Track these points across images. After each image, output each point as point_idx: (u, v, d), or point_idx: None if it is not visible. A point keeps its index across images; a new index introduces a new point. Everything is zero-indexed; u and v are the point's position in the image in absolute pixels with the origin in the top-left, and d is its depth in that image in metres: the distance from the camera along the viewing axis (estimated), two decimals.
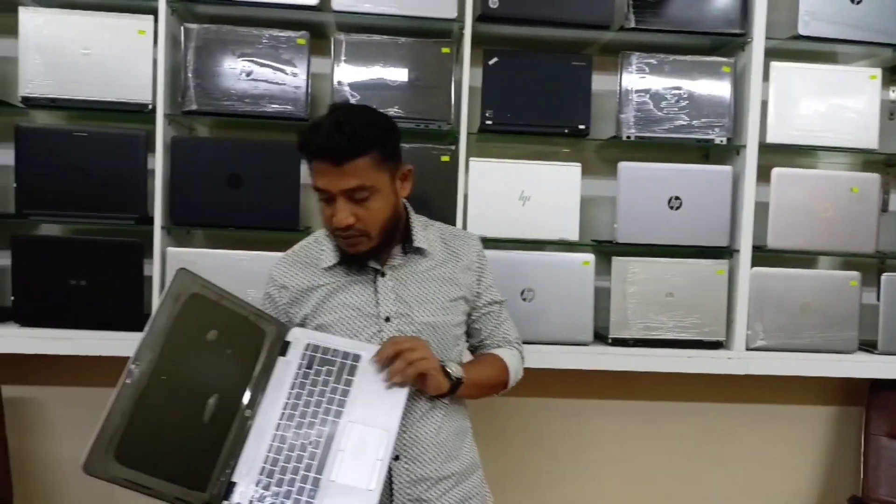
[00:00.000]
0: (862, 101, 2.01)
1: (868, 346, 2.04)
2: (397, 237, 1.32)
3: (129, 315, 1.87)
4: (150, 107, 1.87)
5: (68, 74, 1.85)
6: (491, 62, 1.93)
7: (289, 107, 1.88)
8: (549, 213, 1.95)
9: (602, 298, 1.98)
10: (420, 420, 1.27)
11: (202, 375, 1.14)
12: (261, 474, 1.13)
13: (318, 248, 1.36)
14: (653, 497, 2.27)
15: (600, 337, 2.00)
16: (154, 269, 1.88)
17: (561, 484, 2.23)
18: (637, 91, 1.96)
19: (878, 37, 1.99)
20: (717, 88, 1.98)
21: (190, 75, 1.86)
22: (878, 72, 2.01)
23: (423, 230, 1.37)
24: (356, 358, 1.22)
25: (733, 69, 1.99)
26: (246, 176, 1.86)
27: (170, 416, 1.09)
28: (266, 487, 1.12)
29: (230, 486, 1.12)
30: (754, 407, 2.27)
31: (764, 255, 2.00)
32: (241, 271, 1.85)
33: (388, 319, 1.28)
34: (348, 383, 1.20)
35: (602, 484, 2.25)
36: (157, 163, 1.87)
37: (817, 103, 2.00)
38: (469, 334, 1.42)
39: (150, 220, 1.88)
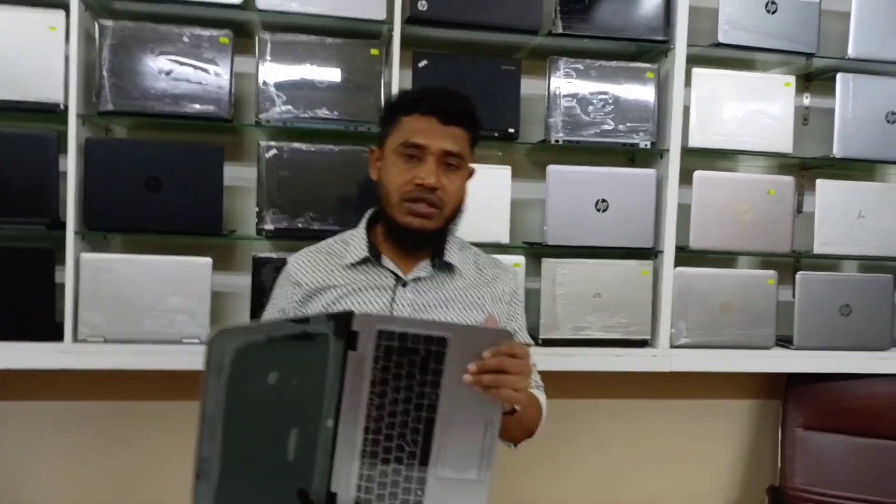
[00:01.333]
0: (778, 106, 2.09)
1: (784, 342, 2.13)
2: (431, 249, 1.28)
3: (40, 324, 1.77)
4: (62, 107, 1.78)
5: None
6: (420, 65, 1.91)
7: (211, 107, 1.82)
8: (480, 215, 1.93)
9: (532, 299, 2.00)
10: None
11: (274, 424, 1.03)
12: (360, 479, 1.06)
13: (343, 245, 1.31)
14: (580, 491, 2.31)
15: (531, 338, 2.01)
16: (67, 275, 1.78)
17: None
18: (565, 95, 1.99)
19: (793, 45, 2.07)
20: (642, 93, 2.03)
21: (105, 74, 1.78)
22: (792, 79, 2.10)
23: (459, 250, 1.33)
24: (441, 342, 1.04)
25: (657, 75, 2.04)
26: (165, 178, 1.79)
27: (254, 479, 1.01)
28: (369, 492, 1.06)
29: (331, 498, 1.05)
30: (678, 403, 2.34)
31: (686, 256, 2.06)
32: (162, 277, 1.79)
33: None
34: (437, 373, 1.04)
35: (530, 480, 2.28)
36: (70, 165, 1.78)
37: (736, 109, 2.07)
38: None
39: (63, 225, 1.79)
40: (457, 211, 1.28)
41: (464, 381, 1.01)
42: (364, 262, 1.28)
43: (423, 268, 1.27)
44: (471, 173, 1.33)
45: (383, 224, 1.29)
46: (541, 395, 1.34)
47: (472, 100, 1.28)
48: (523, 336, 1.37)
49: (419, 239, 1.24)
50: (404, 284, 1.26)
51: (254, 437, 1.01)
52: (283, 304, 1.30)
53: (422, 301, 1.25)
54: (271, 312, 1.33)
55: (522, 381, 1.03)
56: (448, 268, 1.29)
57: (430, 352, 1.04)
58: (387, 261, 1.28)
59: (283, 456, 1.02)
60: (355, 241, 1.30)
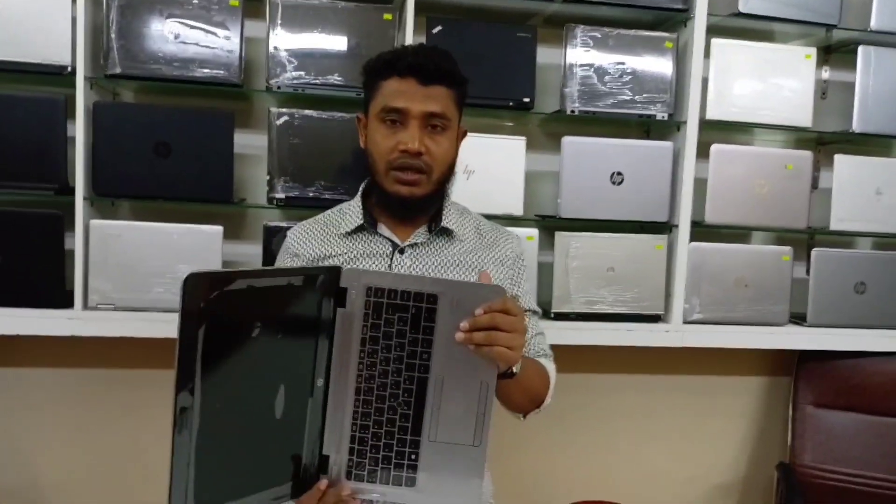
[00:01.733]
0: (797, 79, 2.05)
1: (798, 319, 2.11)
2: (428, 213, 1.25)
3: (49, 291, 1.76)
4: (70, 69, 1.74)
5: None
6: (434, 31, 1.87)
7: (221, 72, 1.79)
8: (493, 187, 1.92)
9: (544, 273, 1.98)
10: None
11: (260, 377, 0.97)
12: (352, 443, 1.02)
13: (339, 215, 1.29)
14: (591, 466, 2.31)
15: (542, 312, 2.00)
16: (76, 242, 1.77)
17: (495, 456, 2.24)
18: (581, 65, 1.95)
19: (815, 17, 2.02)
20: (660, 64, 1.99)
21: (113, 36, 1.74)
22: (813, 51, 2.05)
23: (459, 215, 1.30)
24: (432, 299, 1.00)
25: (675, 45, 1.99)
26: (175, 144, 1.76)
27: (239, 436, 0.95)
28: (362, 456, 1.02)
29: (323, 460, 1.03)
30: (688, 379, 2.32)
31: (701, 230, 2.04)
32: (170, 245, 1.77)
33: None
34: (429, 331, 1.00)
35: (538, 454, 2.27)
36: (78, 129, 1.75)
37: (755, 81, 2.02)
38: None
39: (71, 191, 1.77)
40: (447, 174, 1.25)
41: (456, 338, 0.96)
42: (360, 230, 1.26)
43: (420, 234, 1.25)
44: (462, 133, 1.30)
45: (375, 193, 1.27)
46: (549, 365, 1.31)
47: (451, 56, 1.23)
48: (528, 302, 1.33)
49: (411, 206, 1.22)
50: (402, 251, 1.23)
51: (237, 391, 0.94)
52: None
53: (419, 267, 1.23)
54: None
55: (517, 339, 0.97)
56: (446, 233, 1.27)
57: (420, 309, 1.00)
58: (383, 228, 1.26)
59: (271, 413, 0.98)
60: (351, 210, 1.28)
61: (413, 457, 1.01)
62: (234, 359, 0.92)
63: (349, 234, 1.26)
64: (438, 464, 1.02)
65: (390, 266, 1.23)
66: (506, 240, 1.33)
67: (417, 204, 1.22)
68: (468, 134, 1.91)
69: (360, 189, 1.33)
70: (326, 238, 1.27)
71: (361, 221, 1.25)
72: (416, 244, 1.25)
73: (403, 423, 1.02)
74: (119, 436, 2.06)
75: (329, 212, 1.35)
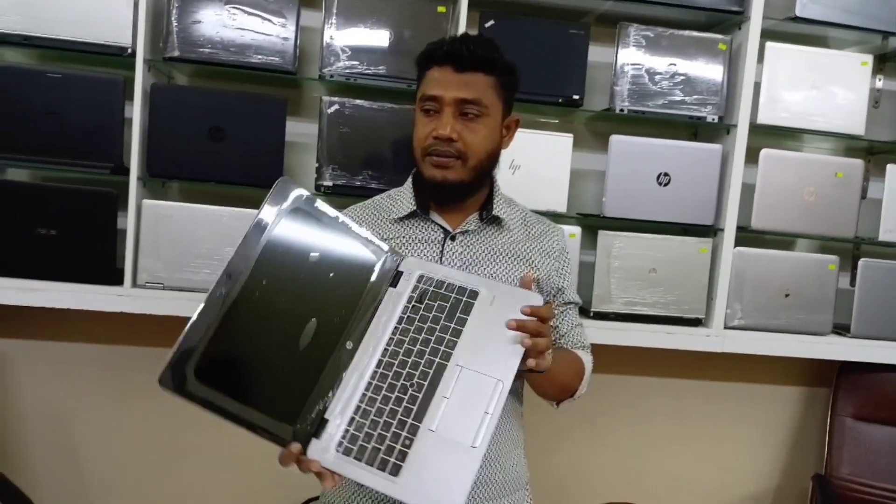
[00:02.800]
0: (852, 87, 2.02)
1: (840, 329, 2.08)
2: (479, 201, 1.27)
3: (101, 268, 1.80)
4: (130, 51, 1.78)
5: (43, 11, 1.75)
6: (487, 25, 1.88)
7: (275, 59, 1.81)
8: (538, 183, 1.92)
9: (585, 272, 1.98)
10: None
11: (301, 297, 1.01)
12: (355, 414, 1.01)
13: (389, 201, 1.30)
14: (622, 468, 2.30)
15: (582, 310, 1.99)
16: (129, 221, 1.80)
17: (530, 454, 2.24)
18: (632, 64, 1.94)
19: (871, 23, 1.99)
20: (712, 66, 1.97)
21: (173, 20, 1.77)
22: (869, 58, 2.02)
23: (507, 206, 1.31)
24: (473, 295, 1.05)
25: (729, 47, 1.97)
26: (229, 129, 1.79)
27: (261, 336, 0.97)
28: (359, 429, 0.99)
29: (322, 424, 1.00)
30: (726, 385, 2.30)
31: (746, 235, 2.01)
32: (220, 227, 1.80)
33: None
34: (462, 322, 1.04)
35: (573, 455, 2.27)
36: (135, 111, 1.79)
37: (809, 87, 2.00)
38: None
39: (126, 171, 1.80)
40: (487, 162, 1.23)
41: (506, 325, 1.01)
42: (412, 216, 1.27)
43: (471, 221, 1.25)
44: (514, 123, 1.29)
45: (418, 180, 1.28)
46: (586, 357, 1.31)
47: (494, 43, 1.22)
48: (571, 294, 1.34)
49: (446, 191, 1.21)
50: (452, 238, 1.24)
51: (276, 294, 0.98)
52: None
53: (470, 254, 1.23)
54: None
55: (547, 343, 1.03)
56: (496, 222, 1.27)
57: (459, 301, 1.06)
58: (434, 215, 1.27)
59: (296, 340, 0.99)
60: (402, 196, 1.29)
61: (407, 443, 0.97)
62: (286, 264, 1.00)
63: (401, 219, 1.27)
64: (429, 458, 0.96)
65: (441, 251, 1.24)
66: (552, 232, 1.34)
67: (452, 189, 1.20)
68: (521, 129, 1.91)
69: (410, 177, 1.34)
70: (379, 223, 1.28)
71: (414, 207, 1.26)
72: (466, 231, 1.25)
73: (410, 404, 1.00)
74: (159, 412, 2.10)
75: (378, 197, 1.35)
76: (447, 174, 1.19)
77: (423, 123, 1.20)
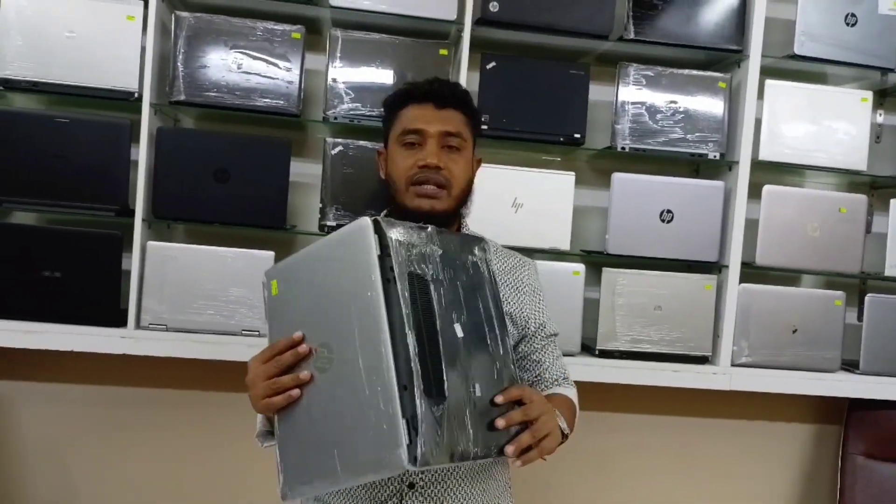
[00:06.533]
0: (853, 122, 2.03)
1: (849, 366, 2.06)
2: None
3: (105, 310, 1.80)
4: (136, 95, 1.81)
5: (51, 57, 1.78)
6: (489, 66, 1.90)
7: (280, 102, 1.83)
8: (541, 221, 1.93)
9: (590, 309, 1.97)
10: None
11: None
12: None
13: None
14: None
15: (587, 348, 1.98)
16: (133, 263, 1.81)
17: (538, 496, 2.20)
18: (633, 102, 1.95)
19: (870, 60, 2.01)
20: (712, 103, 1.98)
21: (179, 65, 1.80)
22: (869, 95, 2.04)
23: None
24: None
25: (729, 85, 1.99)
26: (234, 170, 1.81)
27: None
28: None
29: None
30: (734, 423, 2.27)
31: (751, 272, 2.01)
32: (224, 268, 1.80)
33: None
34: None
35: (581, 495, 2.23)
36: (141, 153, 1.81)
37: (809, 123, 2.01)
38: (524, 367, 1.30)
39: (131, 213, 1.82)
40: (465, 193, 1.28)
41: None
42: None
43: None
44: (477, 162, 1.35)
45: (396, 215, 1.26)
46: (571, 392, 1.31)
47: (461, 86, 1.34)
48: (552, 326, 1.34)
49: (432, 222, 1.18)
50: None
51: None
52: None
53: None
54: None
55: (544, 428, 1.01)
56: None
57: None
58: None
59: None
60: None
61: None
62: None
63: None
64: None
65: None
66: (524, 266, 1.35)
67: (438, 219, 1.20)
68: (519, 167, 1.94)
69: (385, 213, 1.33)
70: None
71: None
72: None
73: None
74: (161, 455, 2.08)
75: None
76: (435, 204, 1.21)
77: (405, 156, 1.23)
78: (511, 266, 1.33)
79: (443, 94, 1.25)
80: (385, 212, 1.34)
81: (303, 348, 0.97)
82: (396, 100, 1.29)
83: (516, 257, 1.36)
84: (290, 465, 1.00)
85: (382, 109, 1.36)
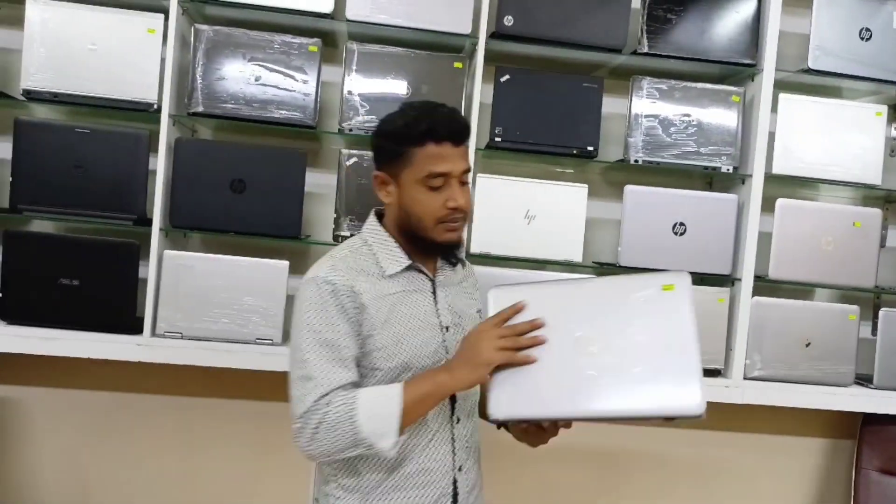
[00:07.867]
0: (867, 136, 2.03)
1: (863, 380, 2.05)
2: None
3: (121, 317, 1.83)
4: (156, 106, 1.84)
5: (73, 69, 1.82)
6: (503, 79, 1.92)
7: (297, 113, 1.86)
8: (553, 233, 1.93)
9: None
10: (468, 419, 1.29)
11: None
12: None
13: (368, 258, 1.28)
14: None
15: None
16: (150, 271, 1.83)
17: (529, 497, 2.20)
18: (646, 115, 1.96)
19: (885, 74, 2.01)
20: (726, 116, 1.99)
21: (198, 77, 1.83)
22: (884, 109, 2.04)
23: None
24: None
25: (742, 99, 1.99)
26: (250, 181, 1.83)
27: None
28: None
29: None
30: (747, 436, 2.26)
31: (764, 285, 2.00)
32: (239, 277, 1.82)
33: (447, 329, 1.27)
34: None
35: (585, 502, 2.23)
36: (160, 164, 1.84)
37: (823, 137, 2.01)
38: None
39: (149, 222, 1.84)
40: None
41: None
42: (404, 269, 1.30)
43: (443, 267, 1.34)
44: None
45: (412, 240, 1.29)
46: None
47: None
48: None
49: (453, 249, 1.32)
50: (435, 284, 1.31)
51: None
52: (337, 316, 1.22)
53: (450, 296, 1.32)
54: (324, 330, 1.22)
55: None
56: (453, 264, 1.36)
57: None
58: (420, 266, 1.32)
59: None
60: (387, 252, 1.29)
61: None
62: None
63: (393, 274, 1.28)
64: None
65: (435, 298, 1.30)
66: (471, 270, 1.44)
67: (458, 245, 1.32)
68: (532, 180, 1.98)
69: (380, 229, 1.31)
70: (372, 279, 1.27)
71: (408, 262, 1.29)
72: (442, 276, 1.33)
73: None
74: (174, 463, 2.10)
75: (348, 252, 1.29)
76: (460, 234, 1.29)
77: (432, 197, 1.24)
78: (467, 272, 1.42)
79: (460, 130, 1.25)
80: (374, 220, 1.33)
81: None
82: (413, 136, 1.23)
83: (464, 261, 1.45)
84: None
85: (383, 137, 1.29)
